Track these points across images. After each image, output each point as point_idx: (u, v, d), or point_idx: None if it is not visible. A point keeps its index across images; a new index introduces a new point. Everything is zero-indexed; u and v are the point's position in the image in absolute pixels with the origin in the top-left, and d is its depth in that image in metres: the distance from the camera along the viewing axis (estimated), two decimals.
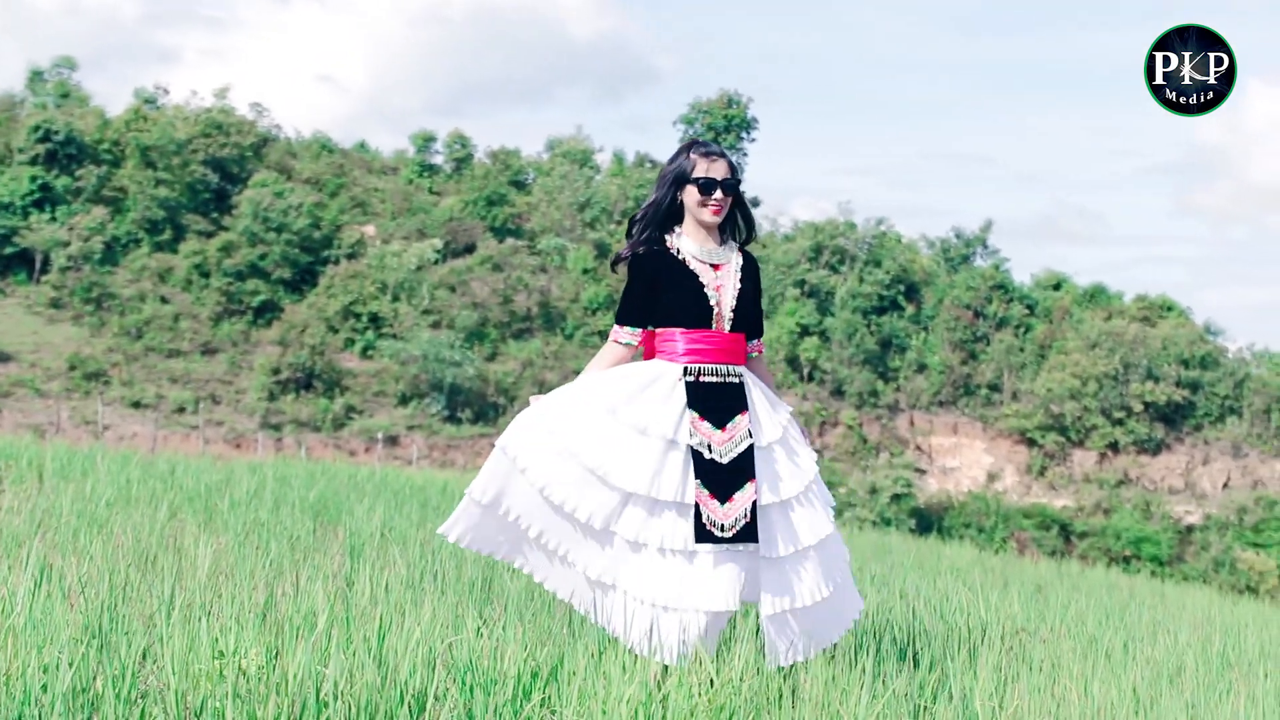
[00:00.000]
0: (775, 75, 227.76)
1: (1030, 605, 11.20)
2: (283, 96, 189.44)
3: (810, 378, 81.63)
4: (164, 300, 75.61)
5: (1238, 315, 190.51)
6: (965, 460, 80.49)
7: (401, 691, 4.53)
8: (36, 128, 79.96)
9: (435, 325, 76.83)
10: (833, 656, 6.00)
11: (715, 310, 6.09)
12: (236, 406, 69.53)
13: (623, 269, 6.21)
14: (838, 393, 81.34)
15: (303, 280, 79.52)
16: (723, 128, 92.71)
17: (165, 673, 4.62)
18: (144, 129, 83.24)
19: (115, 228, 78.59)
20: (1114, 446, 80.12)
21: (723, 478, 5.88)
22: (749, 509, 5.86)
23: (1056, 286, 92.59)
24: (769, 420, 6.10)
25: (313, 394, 71.14)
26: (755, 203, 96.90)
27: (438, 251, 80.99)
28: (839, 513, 62.45)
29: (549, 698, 4.87)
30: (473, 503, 5.95)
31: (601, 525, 5.84)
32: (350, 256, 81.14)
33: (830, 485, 58.40)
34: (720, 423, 5.96)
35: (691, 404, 5.96)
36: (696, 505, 5.83)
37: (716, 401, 5.99)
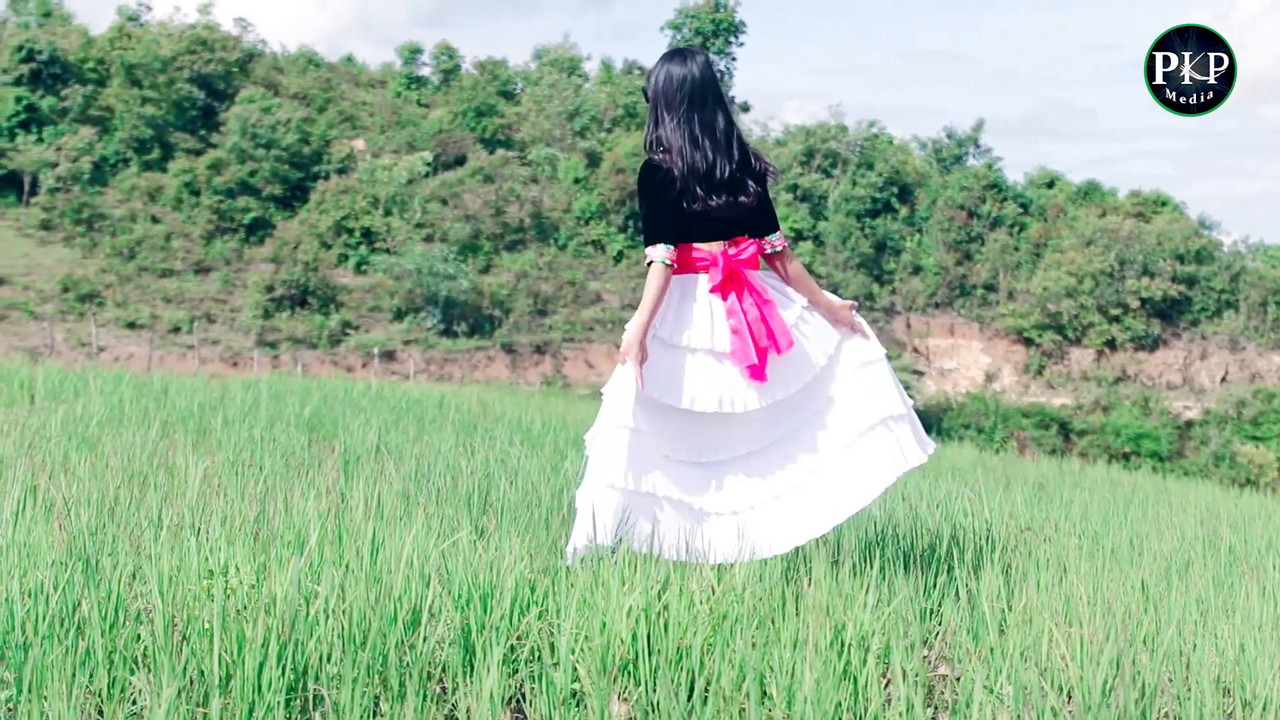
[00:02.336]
0: None
1: (1034, 504, 11.13)
2: (267, 11, 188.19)
3: None
4: (155, 220, 75.30)
5: (1229, 207, 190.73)
6: (963, 361, 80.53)
7: (395, 608, 4.41)
8: (20, 48, 79.32)
9: (428, 239, 76.59)
10: (836, 561, 5.90)
11: None
12: (232, 325, 69.38)
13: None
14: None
15: (294, 196, 79.18)
16: (710, 32, 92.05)
17: (152, 593, 4.51)
18: (128, 47, 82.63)
19: (103, 148, 78.15)
20: (1111, 344, 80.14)
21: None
22: None
23: (1050, 184, 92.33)
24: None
25: (308, 311, 70.99)
26: (745, 108, 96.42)
27: (428, 164, 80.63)
28: None
29: (546, 610, 4.76)
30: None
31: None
32: (340, 171, 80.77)
33: None
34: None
35: None
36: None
37: None
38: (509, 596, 4.65)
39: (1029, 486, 14.77)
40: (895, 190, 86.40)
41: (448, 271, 71.76)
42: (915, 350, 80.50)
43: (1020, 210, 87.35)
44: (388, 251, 74.79)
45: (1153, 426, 71.46)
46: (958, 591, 5.97)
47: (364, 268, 75.18)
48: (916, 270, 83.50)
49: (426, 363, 68.35)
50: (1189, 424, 74.49)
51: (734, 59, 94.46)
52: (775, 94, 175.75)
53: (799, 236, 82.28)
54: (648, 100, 6.01)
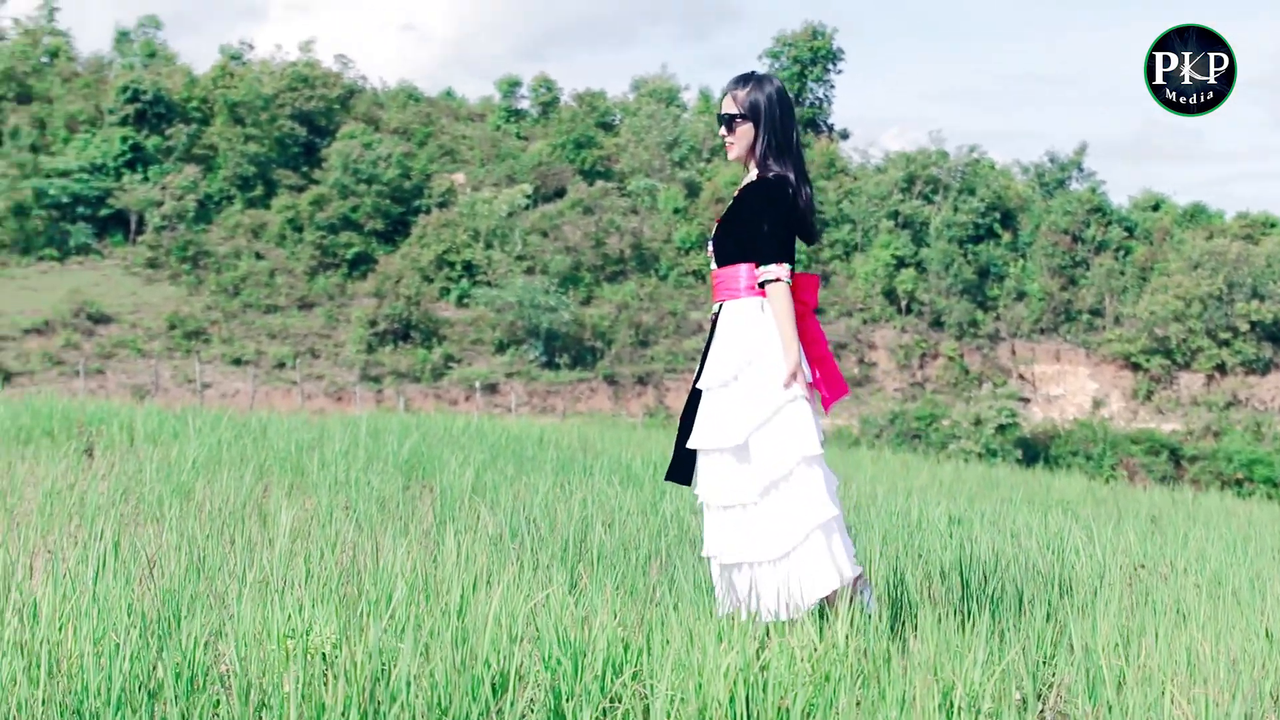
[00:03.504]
0: (858, 3, 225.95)
1: (1147, 539, 10.83)
2: (367, 47, 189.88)
3: (908, 310, 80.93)
4: (259, 256, 75.91)
5: None
6: (1069, 388, 79.61)
7: (480, 673, 4.23)
8: (125, 88, 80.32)
9: (529, 271, 76.71)
10: (941, 614, 5.66)
11: (709, 249, 5.95)
12: (335, 360, 69.73)
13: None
14: (937, 324, 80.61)
15: (395, 231, 79.58)
16: (808, 60, 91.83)
17: (232, 656, 4.36)
18: (231, 85, 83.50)
19: (207, 185, 78.95)
20: (1221, 368, 78.96)
21: (685, 421, 5.84)
22: (684, 451, 5.76)
23: (1155, 207, 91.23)
24: (728, 359, 5.72)
25: (410, 344, 71.24)
26: (844, 135, 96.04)
27: (528, 197, 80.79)
28: (942, 445, 61.89)
29: (640, 671, 4.56)
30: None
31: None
32: (441, 205, 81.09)
33: (933, 418, 57.93)
34: (701, 365, 5.84)
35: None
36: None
37: (707, 343, 5.87)
38: (601, 657, 4.47)
39: (1141, 519, 14.45)
40: (998, 215, 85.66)
41: (549, 304, 71.80)
42: (1021, 377, 79.68)
43: (1125, 234, 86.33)
44: (489, 284, 74.94)
45: (1266, 452, 70.20)
46: (1071, 643, 5.73)
47: (465, 301, 75.37)
48: (1020, 296, 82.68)
49: (529, 395, 68.42)
50: None
51: (832, 86, 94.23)
52: (874, 120, 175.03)
53: (900, 264, 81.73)
54: (748, 119, 5.83)
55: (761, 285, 5.69)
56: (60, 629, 4.57)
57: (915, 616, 5.50)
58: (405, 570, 5.64)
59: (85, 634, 4.47)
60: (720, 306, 5.78)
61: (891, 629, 5.42)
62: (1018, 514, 12.43)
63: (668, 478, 5.76)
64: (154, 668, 4.23)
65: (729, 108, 5.85)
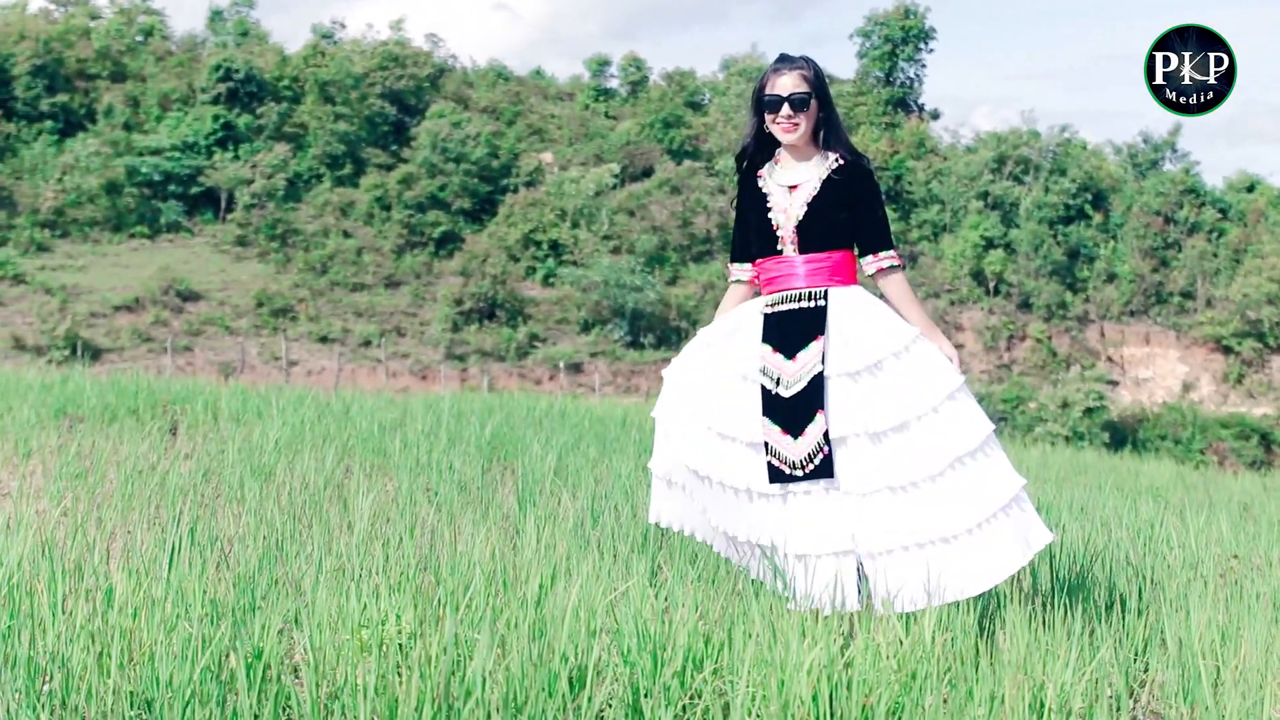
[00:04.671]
0: None
1: (1240, 527, 10.64)
2: (458, 26, 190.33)
3: (996, 291, 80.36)
4: (346, 235, 76.31)
5: None
6: (1159, 371, 78.83)
7: (557, 668, 4.15)
8: (218, 67, 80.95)
9: (615, 251, 76.72)
10: (1033, 607, 5.53)
11: (780, 234, 5.72)
12: (421, 338, 70.02)
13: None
14: (1025, 305, 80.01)
15: (482, 210, 79.79)
16: (900, 39, 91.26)
17: (306, 646, 4.30)
18: (322, 64, 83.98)
19: (297, 164, 79.44)
20: None
21: (792, 411, 5.52)
22: (821, 441, 5.45)
23: (1250, 189, 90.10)
24: (860, 343, 5.58)
25: (496, 324, 71.43)
26: (935, 115, 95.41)
27: (615, 176, 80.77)
28: (1028, 428, 61.48)
29: (721, 667, 4.46)
30: (656, 479, 5.85)
31: (733, 482, 5.58)
32: (529, 184, 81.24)
33: (1019, 400, 57.50)
34: (791, 353, 5.58)
35: (766, 337, 5.65)
36: (767, 444, 5.51)
37: (790, 330, 5.62)
38: (681, 652, 4.37)
39: (1233, 506, 14.23)
40: (1089, 196, 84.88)
41: (634, 283, 71.78)
42: (1109, 360, 78.99)
43: (1219, 215, 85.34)
44: (575, 264, 75.03)
45: None
46: (1164, 639, 5.59)
47: (551, 280, 75.49)
48: (1111, 278, 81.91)
49: (613, 375, 68.45)
50: None
51: (924, 65, 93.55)
52: (966, 100, 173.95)
53: (989, 245, 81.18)
54: (818, 96, 5.75)
55: (879, 271, 5.78)
56: (134, 616, 4.52)
57: (1004, 611, 5.37)
58: (484, 558, 5.57)
59: (158, 622, 4.42)
60: (821, 291, 5.64)
61: (980, 625, 5.30)
62: (1107, 501, 12.24)
63: (811, 475, 5.52)
64: (226, 657, 4.17)
65: (798, 86, 5.69)
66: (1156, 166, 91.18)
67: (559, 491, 8.79)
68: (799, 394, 5.49)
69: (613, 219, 78.58)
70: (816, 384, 5.49)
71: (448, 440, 11.72)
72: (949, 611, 5.05)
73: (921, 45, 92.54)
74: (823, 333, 5.55)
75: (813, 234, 5.65)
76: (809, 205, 5.67)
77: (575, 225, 77.98)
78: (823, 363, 5.51)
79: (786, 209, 5.67)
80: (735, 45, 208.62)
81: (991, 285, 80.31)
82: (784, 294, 5.64)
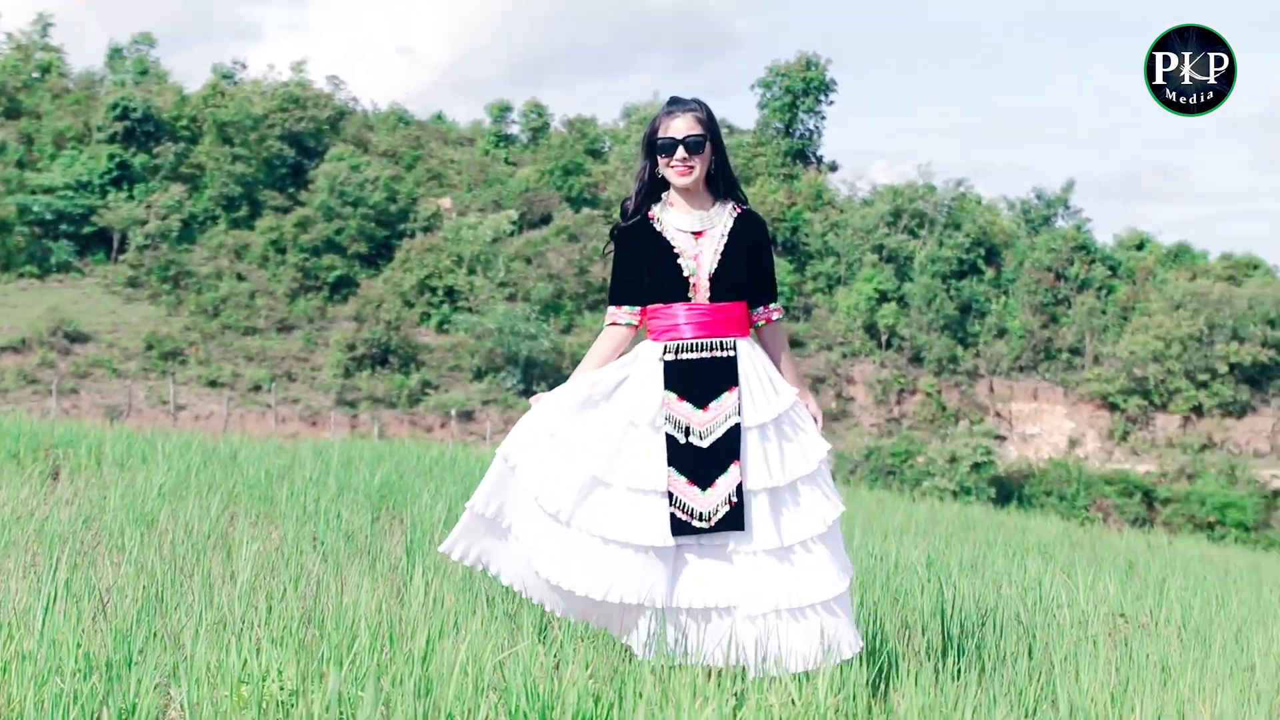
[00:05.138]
0: (853, 36, 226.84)
1: (1126, 586, 10.70)
2: (361, 69, 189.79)
3: (888, 344, 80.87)
4: (240, 277, 75.66)
5: None
6: (1046, 426, 79.56)
7: None
8: (115, 105, 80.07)
9: (511, 298, 76.55)
10: (920, 673, 5.49)
11: (691, 281, 5.61)
12: (312, 384, 69.47)
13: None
14: (916, 359, 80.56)
15: (378, 255, 79.38)
16: (801, 90, 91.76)
17: (183, 701, 4.17)
18: (221, 104, 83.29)
19: (193, 205, 78.71)
20: (1198, 410, 78.99)
21: (703, 462, 5.43)
22: (733, 494, 5.38)
23: (1140, 246, 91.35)
24: (765, 397, 5.56)
25: (388, 370, 71.01)
26: (833, 167, 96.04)
27: (513, 223, 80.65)
28: (916, 482, 61.81)
29: None
30: (475, 516, 5.72)
31: (619, 535, 5.42)
32: (426, 230, 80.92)
33: (909, 454, 57.91)
34: (702, 402, 5.49)
35: (669, 385, 5.53)
36: (671, 495, 5.40)
37: (699, 379, 5.52)
38: (570, 711, 4.29)
39: (1119, 564, 14.32)
40: (982, 251, 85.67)
41: (529, 331, 71.64)
42: (998, 415, 79.63)
43: (1109, 273, 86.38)
44: (470, 311, 74.79)
45: (1239, 496, 70.15)
46: (1056, 700, 5.57)
47: (446, 327, 75.19)
48: (1001, 333, 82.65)
49: (505, 423, 68.11)
50: (1276, 494, 73.12)
51: (823, 117, 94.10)
52: (864, 153, 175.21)
53: (883, 298, 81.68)
54: (716, 144, 5.73)
55: (768, 323, 5.78)
56: (3, 671, 4.38)
57: (897, 670, 5.33)
58: (370, 611, 5.46)
59: (29, 677, 4.28)
60: (731, 342, 5.59)
61: (873, 685, 5.25)
62: (996, 558, 12.29)
63: (719, 528, 5.45)
64: (98, 714, 4.04)
65: (692, 128, 5.64)
66: (1049, 223, 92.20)
67: None
68: (715, 444, 5.43)
69: (509, 266, 78.43)
70: (733, 435, 5.45)
71: (336, 488, 11.59)
72: (842, 671, 5.00)
73: (822, 97, 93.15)
74: (736, 384, 5.52)
75: (725, 284, 5.61)
76: (722, 254, 5.63)
77: (471, 272, 77.74)
78: (738, 413, 5.47)
79: (697, 256, 5.61)
80: (637, 93, 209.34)
81: (884, 338, 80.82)
82: (691, 342, 5.56)
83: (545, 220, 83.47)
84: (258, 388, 67.32)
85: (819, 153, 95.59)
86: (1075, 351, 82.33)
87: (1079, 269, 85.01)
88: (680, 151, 5.61)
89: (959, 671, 5.52)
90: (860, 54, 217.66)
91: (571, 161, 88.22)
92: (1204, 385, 78.69)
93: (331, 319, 74.85)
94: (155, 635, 5.12)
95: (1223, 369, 78.60)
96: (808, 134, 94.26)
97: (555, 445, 5.53)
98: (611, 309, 5.81)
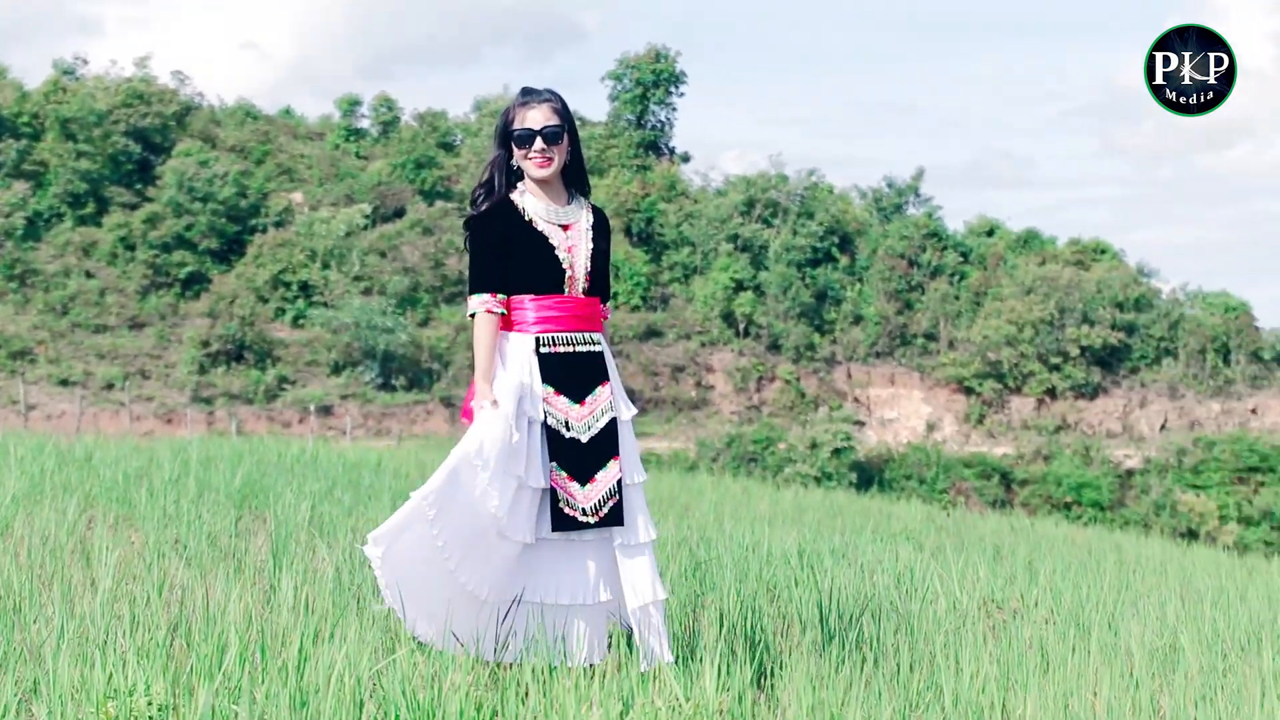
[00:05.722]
0: (702, 27, 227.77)
1: (995, 571, 10.73)
2: (206, 64, 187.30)
3: (746, 333, 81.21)
4: (89, 275, 74.42)
5: (1167, 255, 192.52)
6: (904, 411, 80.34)
7: None
8: None
9: (366, 292, 75.96)
10: (818, 659, 5.42)
11: (568, 274, 5.52)
12: (166, 381, 68.51)
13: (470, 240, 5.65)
14: (774, 347, 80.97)
15: (230, 250, 78.42)
16: (651, 83, 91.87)
17: (47, 719, 3.99)
18: (63, 101, 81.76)
19: (37, 202, 77.28)
20: (1051, 392, 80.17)
21: (583, 457, 5.36)
22: (614, 488, 5.33)
23: (990, 233, 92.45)
24: (622, 393, 5.54)
25: (244, 366, 70.22)
26: (686, 158, 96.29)
27: (366, 217, 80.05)
28: (778, 469, 62.21)
29: None
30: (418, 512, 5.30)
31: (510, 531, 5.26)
32: (278, 224, 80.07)
33: (770, 441, 58.33)
34: (578, 396, 5.42)
35: (546, 379, 5.41)
36: (554, 490, 5.31)
37: (573, 373, 5.44)
38: None
39: (985, 548, 14.40)
40: (836, 240, 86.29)
41: (386, 325, 71.17)
42: (856, 400, 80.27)
43: (960, 259, 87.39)
44: (325, 305, 74.14)
45: (1094, 476, 71.26)
46: (941, 689, 5.51)
47: (301, 322, 74.48)
48: (857, 320, 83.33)
49: (364, 417, 67.67)
50: (1129, 473, 74.35)
51: (674, 109, 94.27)
52: (715, 144, 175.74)
53: (739, 287, 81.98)
54: (573, 135, 5.62)
55: (603, 320, 5.71)
56: None
57: (782, 665, 5.25)
58: (239, 620, 5.28)
59: None
60: (597, 336, 5.51)
61: (756, 680, 5.16)
62: (866, 545, 12.29)
63: (603, 523, 5.33)
64: None
65: (549, 119, 5.53)
66: (900, 211, 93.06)
67: (314, 543, 8.50)
68: (595, 439, 5.34)
69: (364, 260, 77.83)
70: (611, 430, 5.36)
71: (196, 489, 11.35)
72: (727, 669, 4.91)
73: (672, 89, 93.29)
74: (608, 378, 5.43)
75: (595, 278, 5.53)
76: (591, 248, 5.54)
77: (326, 266, 77.06)
78: (612, 409, 5.39)
79: (571, 248, 5.50)
80: (487, 86, 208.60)
81: (741, 327, 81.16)
82: (565, 335, 5.44)
83: (399, 214, 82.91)
84: (111, 386, 66.25)
85: (671, 144, 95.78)
86: (930, 337, 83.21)
87: (931, 256, 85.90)
88: (538, 143, 5.50)
89: (841, 663, 5.45)
90: (709, 45, 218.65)
91: (423, 155, 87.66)
92: (1056, 368, 79.89)
93: (184, 315, 73.85)
94: (14, 650, 4.92)
95: (1074, 352, 79.86)
96: (659, 125, 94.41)
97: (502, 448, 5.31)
98: (484, 296, 5.50)
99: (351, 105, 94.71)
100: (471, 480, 5.13)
